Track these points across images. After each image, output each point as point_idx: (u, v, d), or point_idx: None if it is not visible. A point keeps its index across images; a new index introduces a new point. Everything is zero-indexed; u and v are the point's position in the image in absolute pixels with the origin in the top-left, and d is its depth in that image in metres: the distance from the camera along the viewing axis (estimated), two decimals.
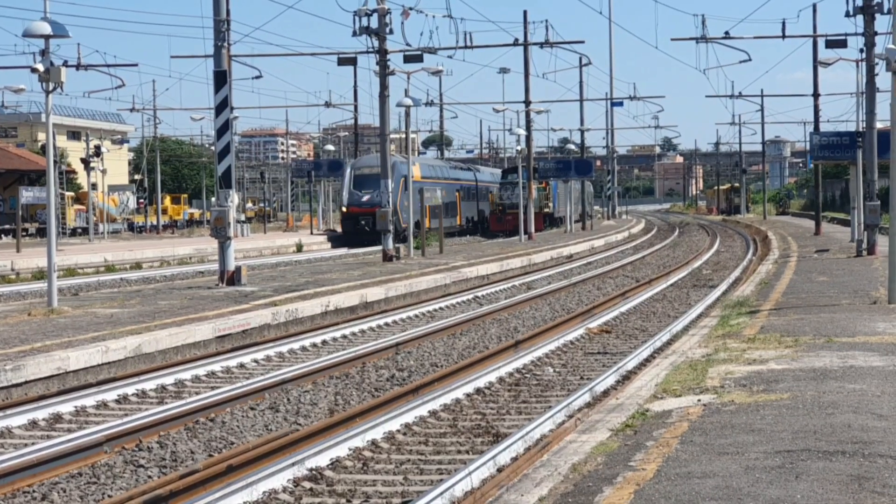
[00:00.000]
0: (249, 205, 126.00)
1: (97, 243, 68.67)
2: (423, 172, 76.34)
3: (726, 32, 48.15)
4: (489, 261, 44.39)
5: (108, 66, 55.38)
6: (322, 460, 12.82)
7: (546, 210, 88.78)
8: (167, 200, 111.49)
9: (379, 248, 49.63)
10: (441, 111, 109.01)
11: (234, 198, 32.59)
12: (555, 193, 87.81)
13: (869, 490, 9.09)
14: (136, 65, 58.56)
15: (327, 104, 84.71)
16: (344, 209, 72.00)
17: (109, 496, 12.03)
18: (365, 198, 69.41)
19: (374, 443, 13.89)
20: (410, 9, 45.09)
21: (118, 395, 17.74)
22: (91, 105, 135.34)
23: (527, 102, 71.13)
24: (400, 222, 63.59)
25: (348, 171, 72.59)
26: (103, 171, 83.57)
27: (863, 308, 23.12)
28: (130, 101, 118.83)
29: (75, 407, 16.89)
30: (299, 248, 64.80)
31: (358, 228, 69.73)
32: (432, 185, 79.41)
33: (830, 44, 47.38)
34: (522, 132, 71.51)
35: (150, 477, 12.76)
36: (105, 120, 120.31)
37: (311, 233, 79.48)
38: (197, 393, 18.14)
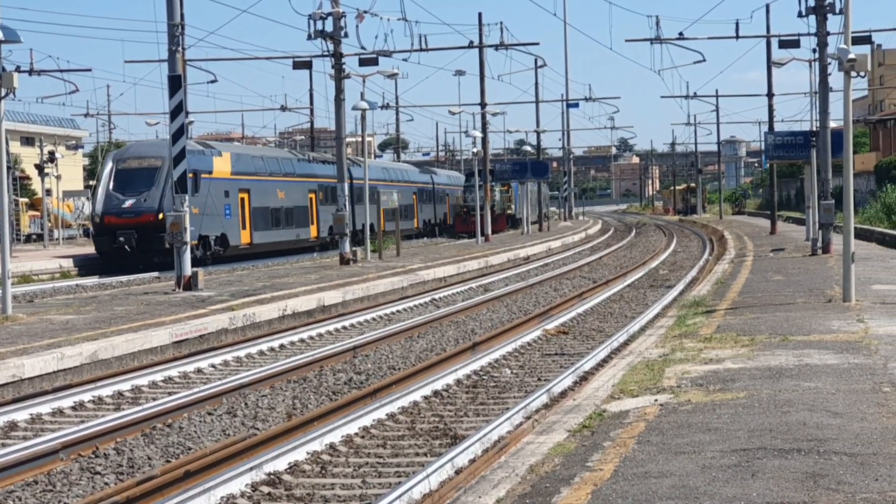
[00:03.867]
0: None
1: (52, 249, 68.26)
2: (242, 167, 56.84)
3: (680, 33, 48.30)
4: (446, 263, 44.40)
5: (62, 71, 55.15)
6: (280, 464, 12.79)
7: (508, 212, 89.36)
8: None
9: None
10: (397, 114, 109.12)
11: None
12: (516, 195, 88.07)
13: (824, 487, 9.14)
14: (89, 70, 58.30)
15: (283, 108, 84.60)
16: (96, 219, 50.92)
17: None
18: (128, 203, 49.78)
19: (332, 446, 13.88)
20: (365, 12, 45.03)
21: (74, 402, 17.65)
22: (44, 110, 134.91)
23: (482, 104, 71.17)
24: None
25: (109, 164, 52.00)
26: (58, 177, 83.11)
27: (818, 306, 23.24)
28: (84, 106, 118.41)
29: (30, 414, 16.80)
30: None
31: (115, 248, 49.39)
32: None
33: (784, 44, 47.60)
34: (478, 134, 71.58)
35: (106, 484, 12.71)
36: (59, 125, 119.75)
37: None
38: (154, 399, 18.07)
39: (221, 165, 54.44)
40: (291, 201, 62.03)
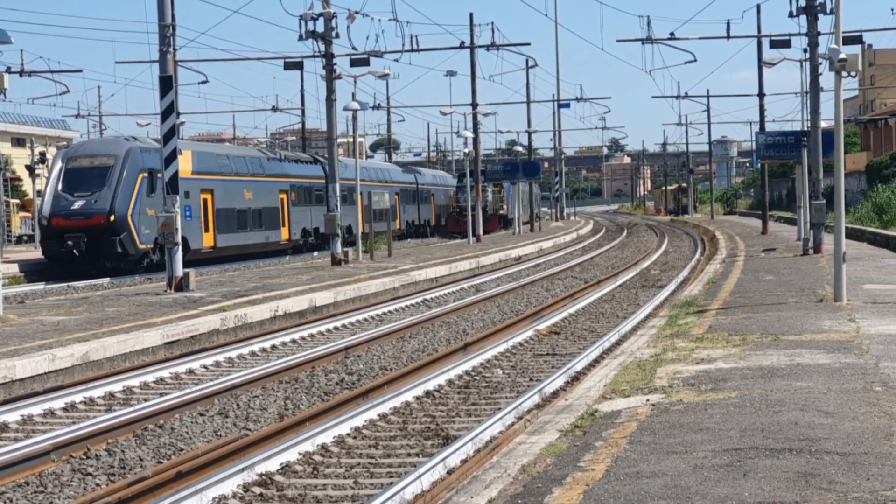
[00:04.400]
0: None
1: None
2: (204, 166, 53.57)
3: (671, 33, 48.38)
4: (438, 264, 44.39)
5: (52, 72, 55.15)
6: (272, 465, 12.78)
7: (501, 212, 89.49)
8: None
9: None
10: (388, 114, 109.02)
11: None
12: (508, 196, 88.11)
13: (815, 486, 9.15)
14: (80, 71, 58.38)
15: (274, 108, 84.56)
16: (43, 221, 48.20)
17: None
18: (77, 204, 46.80)
19: (324, 447, 13.87)
20: (356, 12, 45.01)
21: (65, 403, 17.63)
22: (35, 111, 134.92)
23: (474, 105, 71.19)
24: (135, 242, 46.95)
25: (58, 163, 49.02)
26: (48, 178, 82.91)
27: (809, 306, 23.26)
28: (75, 107, 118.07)
29: (22, 416, 16.78)
30: None
31: (63, 252, 46.26)
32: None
33: (775, 44, 47.65)
34: (470, 135, 71.61)
35: (98, 485, 12.69)
36: (50, 126, 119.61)
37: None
38: (145, 400, 18.05)
39: (181, 164, 50.84)
40: (260, 202, 59.01)
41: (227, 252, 55.41)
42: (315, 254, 61.94)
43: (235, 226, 56.16)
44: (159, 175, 45.51)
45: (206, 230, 52.90)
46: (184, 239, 47.77)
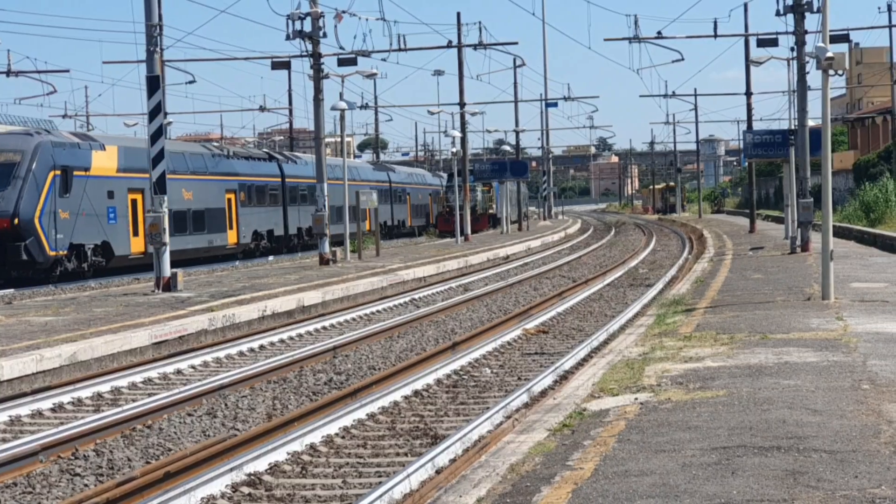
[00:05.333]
0: None
1: None
2: (133, 163, 47.66)
3: (659, 32, 48.49)
4: (426, 263, 44.39)
5: (39, 72, 55.17)
6: (260, 465, 12.77)
7: (490, 211, 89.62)
8: None
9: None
10: (376, 114, 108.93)
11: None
12: (497, 195, 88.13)
13: (804, 484, 9.16)
14: (67, 71, 58.36)
15: (262, 108, 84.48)
16: None
17: None
18: None
19: (312, 447, 13.86)
20: (343, 12, 45.00)
21: (53, 404, 17.61)
22: (22, 112, 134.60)
23: (461, 104, 71.19)
24: (44, 249, 42.03)
25: None
26: None
27: (797, 304, 23.30)
28: (62, 107, 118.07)
29: (9, 416, 16.75)
30: None
31: None
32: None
33: (762, 43, 47.74)
34: (457, 134, 71.61)
35: (86, 486, 12.67)
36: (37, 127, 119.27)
37: None
38: (134, 400, 18.03)
39: (103, 161, 46.60)
40: (202, 202, 53.98)
41: None
42: (270, 258, 58.09)
43: (172, 229, 51.22)
44: (77, 173, 44.27)
45: (136, 234, 47.95)
46: (105, 244, 45.76)
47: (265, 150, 71.16)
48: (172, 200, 47.76)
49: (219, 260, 55.28)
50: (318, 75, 45.62)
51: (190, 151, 55.81)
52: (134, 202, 48.37)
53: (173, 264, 49.25)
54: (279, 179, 63.98)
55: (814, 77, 50.65)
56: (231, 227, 57.24)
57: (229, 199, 57.23)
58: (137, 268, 47.87)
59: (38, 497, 12.27)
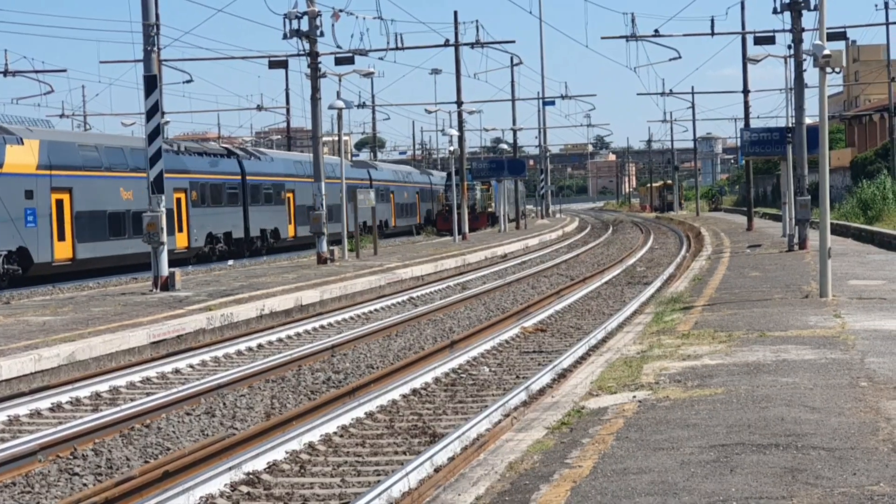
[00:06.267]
0: None
1: None
2: (59, 159, 43.91)
3: (656, 30, 48.55)
4: (424, 262, 44.39)
5: (37, 72, 55.13)
6: (259, 464, 12.78)
7: (489, 210, 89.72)
8: None
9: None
10: (373, 113, 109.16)
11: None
12: (496, 194, 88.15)
13: (802, 482, 9.16)
14: (64, 70, 58.28)
15: (259, 107, 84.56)
16: None
17: None
18: None
19: (311, 445, 13.86)
20: (341, 11, 45.02)
21: (52, 404, 17.61)
22: (19, 112, 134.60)
23: (459, 103, 71.17)
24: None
25: None
26: None
27: (795, 302, 23.31)
28: (60, 107, 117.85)
29: (8, 416, 16.75)
30: None
31: None
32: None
33: (759, 40, 47.76)
34: (455, 132, 71.57)
35: (85, 485, 12.67)
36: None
37: None
38: (132, 399, 18.03)
39: (21, 157, 41.83)
40: (145, 203, 46.10)
41: (94, 265, 45.81)
42: (231, 262, 51.65)
43: (106, 232, 46.31)
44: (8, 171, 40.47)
45: (61, 238, 43.44)
46: (22, 250, 41.11)
47: (224, 145, 64.91)
48: (108, 201, 46.27)
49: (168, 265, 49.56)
50: (315, 74, 45.60)
51: (131, 147, 49.92)
52: (60, 203, 43.83)
53: (109, 272, 46.04)
54: (239, 177, 59.11)
55: (811, 75, 50.74)
56: (180, 230, 51.79)
57: (178, 199, 51.77)
58: (67, 275, 44.15)
59: (37, 496, 12.27)
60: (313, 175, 46.23)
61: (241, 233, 58.58)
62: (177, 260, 48.15)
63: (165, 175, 45.43)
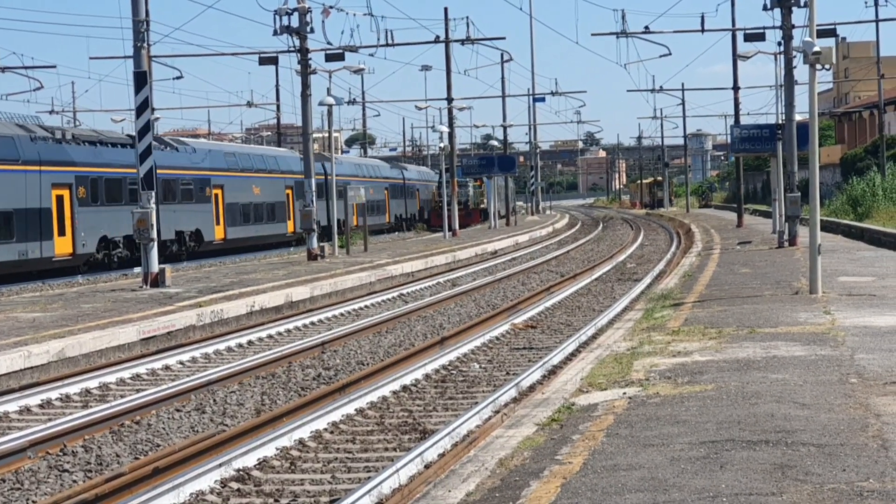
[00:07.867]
0: None
1: None
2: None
3: (646, 27, 48.57)
4: (414, 258, 44.37)
5: (26, 68, 55.01)
6: (249, 460, 12.77)
7: (482, 206, 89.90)
8: None
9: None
10: (363, 109, 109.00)
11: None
12: (488, 190, 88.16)
13: (792, 478, 9.18)
14: (54, 66, 58.21)
15: (249, 104, 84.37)
16: None
17: (34, 502, 11.93)
18: None
19: (301, 442, 13.86)
20: (331, 7, 45.06)
21: (41, 400, 17.58)
22: (9, 108, 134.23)
23: (449, 99, 71.17)
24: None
25: None
26: None
27: (785, 298, 23.33)
28: (49, 103, 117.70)
29: None
30: None
31: None
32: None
33: (749, 37, 47.86)
34: (445, 129, 71.59)
35: (74, 481, 12.66)
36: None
37: None
38: (122, 396, 18.01)
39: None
40: (10, 202, 41.46)
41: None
42: (136, 269, 42.60)
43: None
44: None
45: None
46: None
47: (128, 133, 55.48)
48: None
49: (48, 275, 43.08)
50: (305, 71, 45.58)
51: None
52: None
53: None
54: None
55: (801, 71, 50.85)
56: (62, 234, 44.28)
57: (59, 196, 44.34)
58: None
59: (27, 493, 12.26)
60: (304, 172, 46.18)
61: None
62: (55, 269, 43.57)
63: (39, 168, 42.83)
